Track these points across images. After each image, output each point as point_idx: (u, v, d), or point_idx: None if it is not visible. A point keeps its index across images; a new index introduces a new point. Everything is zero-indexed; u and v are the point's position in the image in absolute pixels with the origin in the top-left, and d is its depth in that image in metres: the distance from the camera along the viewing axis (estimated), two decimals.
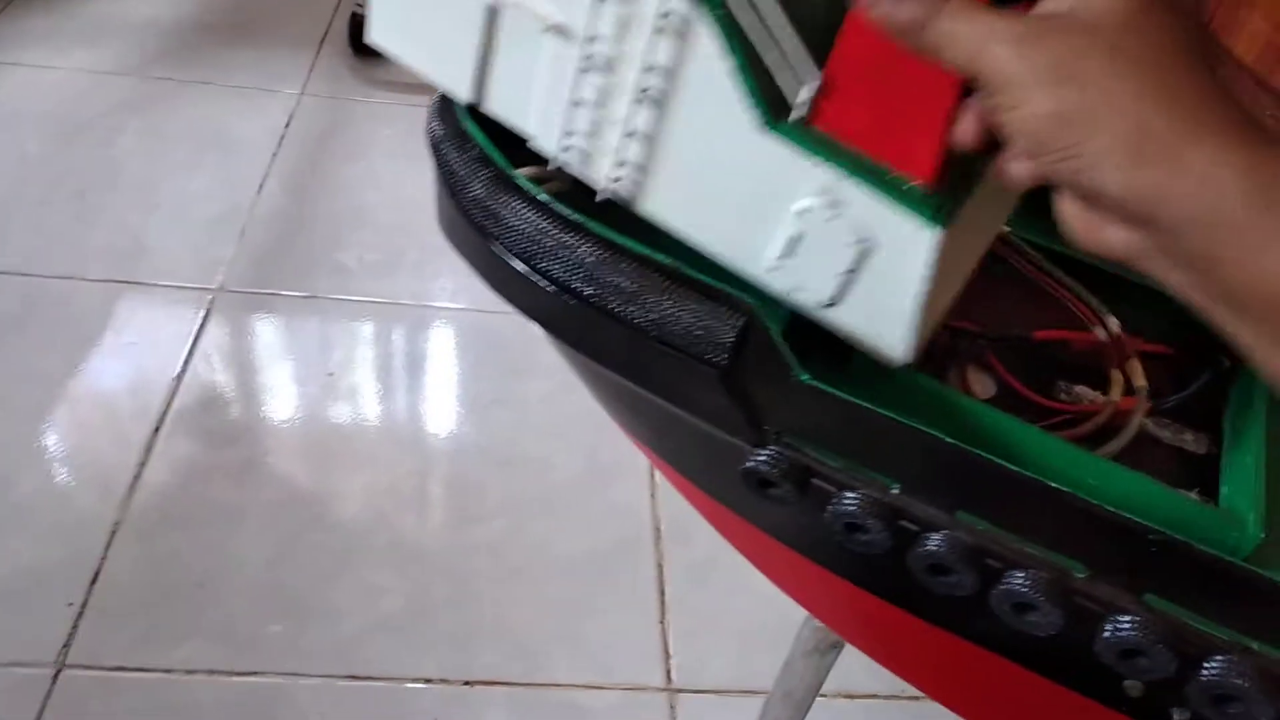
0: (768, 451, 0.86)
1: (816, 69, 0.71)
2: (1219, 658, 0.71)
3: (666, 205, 0.82)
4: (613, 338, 0.86)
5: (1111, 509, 0.75)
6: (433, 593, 1.55)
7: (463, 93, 0.88)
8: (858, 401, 0.79)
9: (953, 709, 1.11)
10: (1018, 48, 0.62)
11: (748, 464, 0.83)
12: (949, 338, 0.95)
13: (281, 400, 1.83)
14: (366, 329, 2.01)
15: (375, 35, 0.94)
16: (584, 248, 0.89)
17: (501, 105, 0.88)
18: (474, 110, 0.98)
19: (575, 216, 0.87)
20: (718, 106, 0.74)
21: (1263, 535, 0.78)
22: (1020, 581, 0.76)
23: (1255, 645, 0.71)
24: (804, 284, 0.77)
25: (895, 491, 0.80)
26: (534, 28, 0.79)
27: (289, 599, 1.54)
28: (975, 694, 1.02)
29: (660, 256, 0.85)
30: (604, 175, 0.82)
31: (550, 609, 1.56)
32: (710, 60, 0.72)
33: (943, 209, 0.71)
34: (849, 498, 0.81)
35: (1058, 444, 0.86)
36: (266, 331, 1.98)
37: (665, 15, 0.71)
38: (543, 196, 0.89)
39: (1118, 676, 0.78)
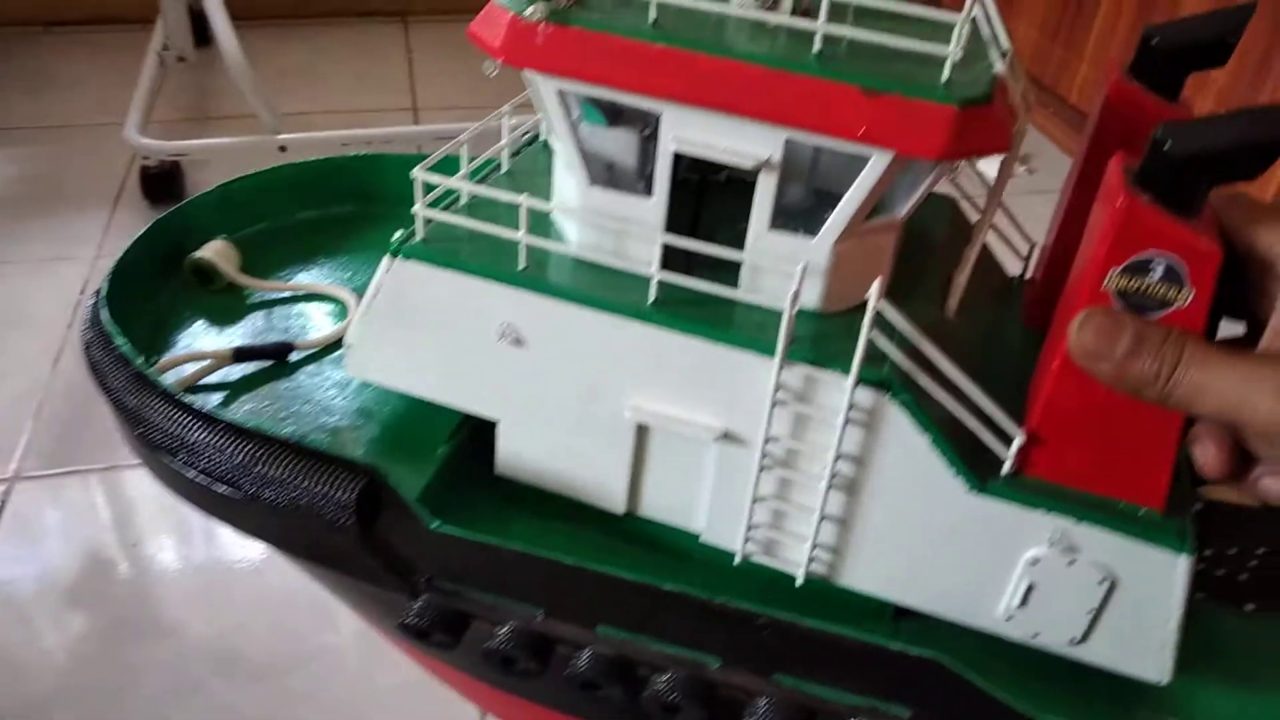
0: (419, 602, 0.85)
1: (1016, 423, 0.76)
2: None
3: (874, 577, 0.85)
4: (257, 515, 0.86)
5: (721, 601, 0.77)
6: None
7: (618, 506, 0.91)
8: (489, 540, 0.80)
9: None
10: None
11: (403, 618, 0.83)
12: None
13: (85, 580, 1.74)
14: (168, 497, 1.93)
15: (502, 469, 0.93)
16: (204, 435, 0.89)
17: (663, 511, 0.90)
18: (112, 305, 0.99)
19: (204, 411, 0.87)
20: (920, 479, 0.79)
21: None
22: (663, 684, 0.76)
23: (879, 705, 0.72)
24: (1047, 627, 0.82)
25: (541, 618, 0.81)
26: (700, 439, 0.83)
27: None
28: None
29: (280, 433, 0.85)
30: (798, 560, 0.85)
31: None
32: (905, 439, 0.77)
33: (1186, 533, 0.76)
34: (501, 633, 0.81)
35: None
36: (68, 508, 1.90)
37: (852, 408, 0.74)
38: (172, 391, 0.89)
39: None
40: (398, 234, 0.86)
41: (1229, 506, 0.90)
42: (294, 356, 1.08)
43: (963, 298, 0.90)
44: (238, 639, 1.61)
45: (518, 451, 0.91)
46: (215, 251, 1.16)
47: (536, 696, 0.98)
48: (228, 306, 1.14)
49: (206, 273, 1.15)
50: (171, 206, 1.19)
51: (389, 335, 0.90)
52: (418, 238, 0.86)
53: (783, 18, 0.76)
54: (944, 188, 0.98)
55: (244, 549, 1.75)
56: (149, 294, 1.11)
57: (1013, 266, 1.05)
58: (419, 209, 0.85)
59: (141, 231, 1.12)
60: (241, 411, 0.99)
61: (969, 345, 0.88)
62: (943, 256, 0.94)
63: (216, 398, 1.01)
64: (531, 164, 0.98)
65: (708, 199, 0.89)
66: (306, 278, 1.19)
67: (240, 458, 0.86)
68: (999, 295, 1.01)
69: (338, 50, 3.41)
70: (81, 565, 1.75)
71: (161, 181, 2.53)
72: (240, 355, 1.06)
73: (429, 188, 0.86)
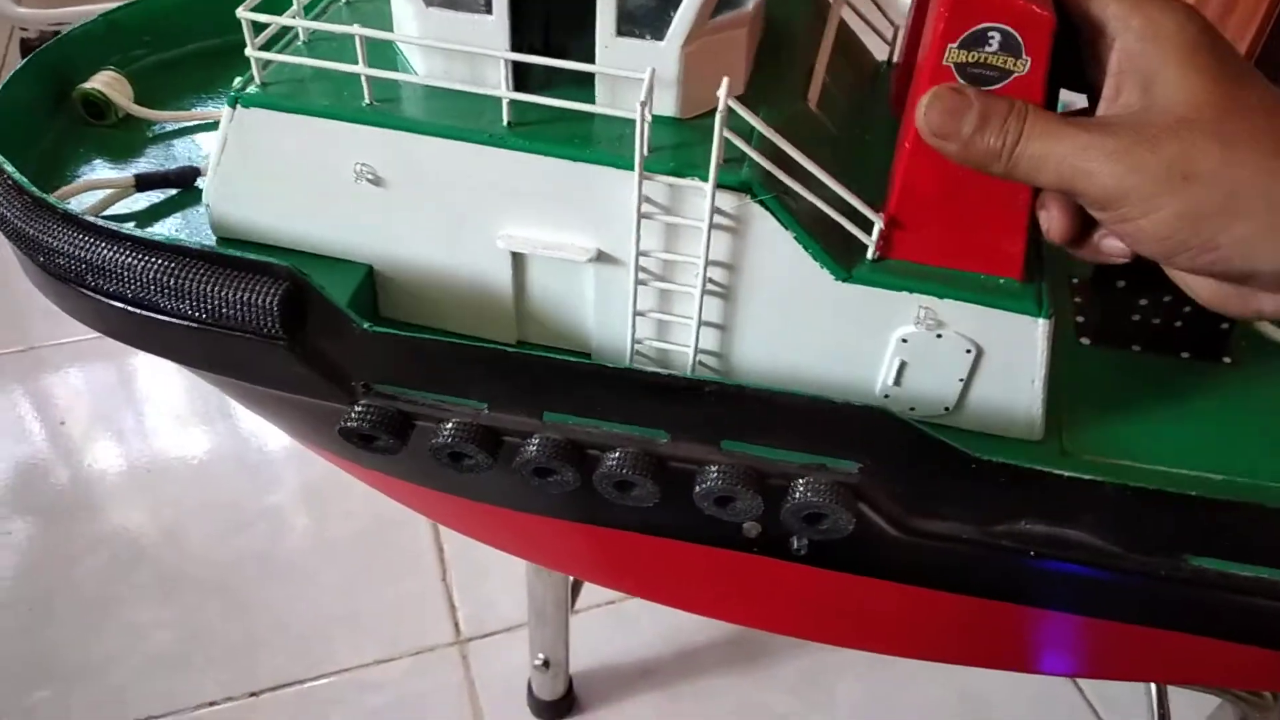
0: (359, 406, 0.86)
1: (875, 210, 0.77)
2: (799, 483, 0.74)
3: (759, 375, 0.87)
4: (180, 336, 0.85)
5: (668, 374, 0.79)
6: (203, 615, 1.52)
7: (509, 336, 0.91)
8: (425, 336, 0.80)
9: (638, 595, 1.15)
10: (1122, 161, 0.59)
11: (342, 424, 0.83)
12: None
13: (11, 461, 1.74)
14: (90, 370, 1.92)
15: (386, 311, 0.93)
16: (111, 254, 0.87)
17: (552, 337, 0.91)
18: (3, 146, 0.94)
19: (108, 225, 0.84)
20: (790, 275, 0.81)
21: None
22: (613, 462, 0.78)
23: (827, 462, 0.75)
24: (921, 400, 0.85)
25: (486, 411, 0.82)
26: (576, 260, 0.83)
27: (50, 662, 1.48)
28: (646, 577, 1.07)
29: (193, 243, 0.83)
30: (686, 366, 0.87)
31: (328, 598, 1.55)
32: (771, 238, 0.78)
33: (1043, 297, 0.79)
34: (446, 429, 0.82)
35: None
36: None
37: (716, 214, 0.76)
38: (73, 212, 0.86)
39: (735, 523, 0.82)
40: (236, 80, 0.83)
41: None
42: (201, 182, 1.03)
43: (827, 87, 0.90)
44: (181, 513, 1.64)
45: (399, 292, 0.91)
46: (104, 83, 1.10)
47: (488, 495, 1.00)
48: (124, 140, 1.09)
49: (98, 105, 1.10)
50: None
51: (244, 188, 0.88)
52: (255, 83, 0.83)
53: None
54: None
55: (174, 422, 1.76)
56: (37, 131, 1.06)
57: (880, 51, 1.04)
58: (250, 51, 0.82)
59: (20, 65, 1.05)
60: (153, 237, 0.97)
61: (832, 136, 0.88)
62: (804, 46, 0.93)
63: (125, 227, 0.98)
64: None
65: (558, 7, 0.86)
66: (205, 107, 1.14)
67: (153, 273, 0.84)
68: (865, 81, 1.00)
69: None
70: (15, 470, 1.76)
71: None
72: (143, 183, 1.01)
73: (260, 27, 0.82)
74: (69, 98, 1.09)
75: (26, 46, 2.43)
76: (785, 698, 1.46)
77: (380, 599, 1.55)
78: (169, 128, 1.11)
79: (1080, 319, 0.98)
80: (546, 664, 1.34)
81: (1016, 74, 0.70)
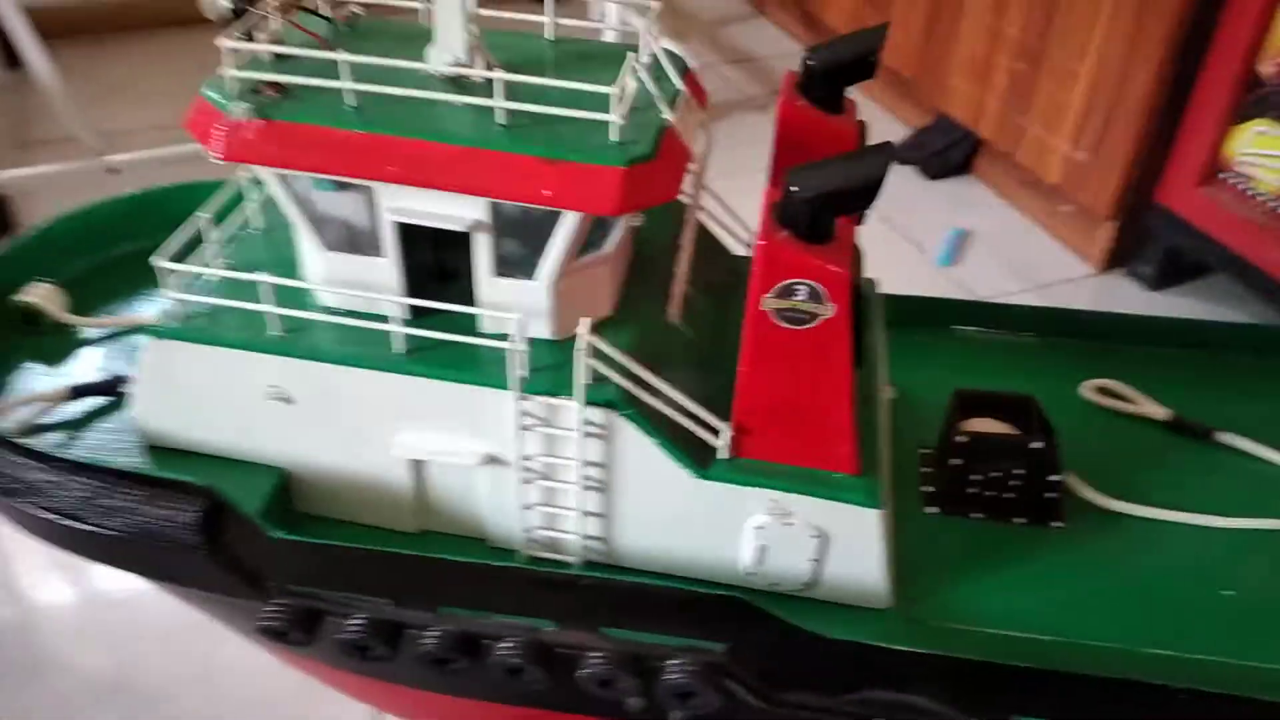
0: (272, 605, 0.95)
1: (723, 420, 0.90)
2: (671, 664, 0.84)
3: (639, 557, 0.98)
4: (109, 546, 0.93)
5: (546, 570, 0.89)
6: None
7: (409, 527, 1.01)
8: (327, 542, 0.89)
9: None
10: None
11: (259, 621, 0.91)
12: None
13: None
14: None
15: (302, 506, 1.02)
16: (44, 476, 0.96)
17: (451, 526, 1.01)
18: None
19: (41, 451, 0.93)
20: (656, 474, 0.93)
21: None
22: (503, 650, 0.87)
23: (697, 644, 0.84)
24: (781, 578, 0.96)
25: (388, 606, 0.91)
26: (467, 464, 0.94)
27: None
28: None
29: (117, 465, 0.92)
30: (574, 551, 0.98)
31: None
32: (636, 444, 0.91)
33: (875, 489, 0.91)
34: (351, 625, 0.90)
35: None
36: None
37: (588, 424, 0.89)
38: (8, 436, 0.95)
39: (619, 700, 0.91)
40: (153, 314, 0.94)
41: (987, 437, 1.05)
42: (128, 389, 1.10)
43: (688, 296, 1.02)
44: (125, 668, 1.68)
45: (312, 490, 1.00)
46: (38, 294, 1.18)
47: (395, 678, 1.08)
48: (58, 346, 1.17)
49: (33, 315, 1.18)
50: (4, 239, 1.19)
51: (168, 408, 0.98)
52: (172, 317, 0.94)
53: (467, 97, 0.85)
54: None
55: (121, 578, 1.81)
56: None
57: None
58: (165, 292, 0.93)
59: None
60: (85, 446, 1.04)
61: (692, 342, 1.01)
62: (669, 258, 1.05)
63: (57, 437, 1.06)
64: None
65: (446, 246, 0.98)
66: (132, 311, 1.23)
67: (83, 492, 0.93)
68: (728, 283, 1.12)
69: (160, 62, 3.33)
70: None
71: None
72: (76, 393, 1.09)
73: (181, 258, 0.93)
74: (4, 309, 1.18)
75: None
76: None
77: None
78: (101, 333, 1.20)
79: (928, 489, 1.09)
80: None
81: (823, 317, 0.83)
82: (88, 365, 1.16)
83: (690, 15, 3.58)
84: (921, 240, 2.64)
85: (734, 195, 1.14)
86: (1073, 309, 1.30)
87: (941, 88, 2.88)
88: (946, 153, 2.90)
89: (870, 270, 1.26)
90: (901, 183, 2.87)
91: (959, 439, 1.03)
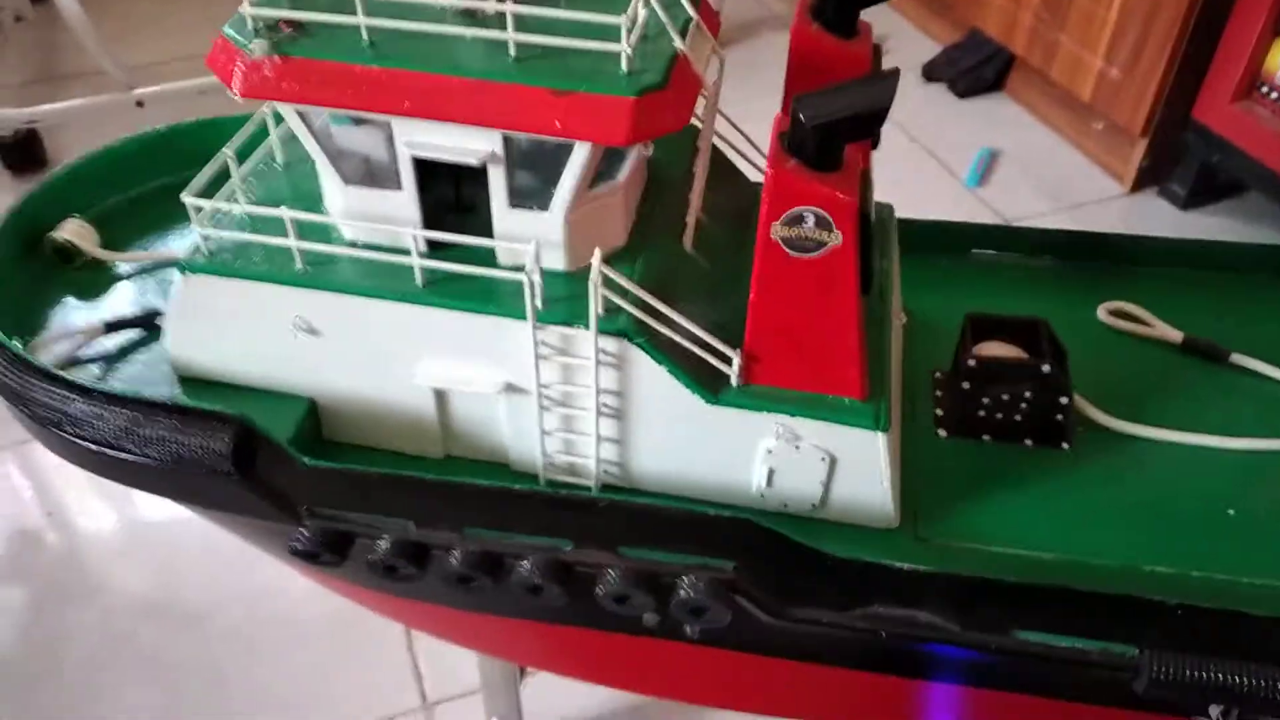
0: (303, 528, 0.99)
1: (734, 347, 0.92)
2: (683, 581, 0.88)
3: (655, 481, 1.01)
4: (147, 473, 0.98)
5: (566, 493, 0.92)
6: (184, 693, 1.64)
7: (437, 453, 1.05)
8: (356, 467, 0.93)
9: (563, 674, 1.29)
10: None
11: (291, 544, 0.96)
12: None
13: (11, 554, 1.86)
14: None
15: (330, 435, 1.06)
16: (84, 407, 1.00)
17: (474, 452, 1.04)
18: None
19: (79, 382, 0.97)
20: (668, 401, 0.95)
21: None
22: (525, 569, 0.91)
23: (708, 562, 0.88)
24: (791, 499, 0.99)
25: (414, 528, 0.95)
26: (487, 394, 0.97)
27: None
28: (566, 660, 1.20)
29: (155, 397, 0.96)
30: (592, 476, 1.01)
31: (304, 673, 1.67)
32: (649, 372, 0.93)
33: (880, 413, 0.93)
34: (380, 546, 0.95)
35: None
36: None
37: (602, 353, 0.91)
38: (48, 369, 0.99)
39: (636, 615, 0.96)
40: (184, 250, 0.97)
41: (996, 361, 1.07)
42: (161, 321, 1.12)
43: (702, 224, 1.03)
44: (166, 589, 1.77)
45: (340, 419, 1.04)
46: (71, 230, 1.22)
47: (422, 596, 1.13)
48: (93, 282, 1.21)
49: (67, 252, 1.22)
50: (36, 174, 1.22)
51: (200, 340, 1.02)
52: (202, 252, 0.97)
53: (480, 30, 0.86)
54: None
55: (162, 504, 1.89)
56: (13, 280, 1.18)
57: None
58: (195, 228, 0.96)
59: None
60: (121, 378, 1.08)
61: (707, 271, 1.02)
62: (685, 187, 1.06)
63: (95, 370, 1.10)
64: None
65: (463, 179, 1.00)
66: (163, 245, 1.26)
67: (120, 422, 0.97)
68: (745, 211, 1.12)
69: None
70: (7, 540, 1.88)
71: (19, 150, 2.53)
72: (110, 327, 1.13)
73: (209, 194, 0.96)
74: (40, 246, 1.22)
75: (2, 145, 2.54)
76: None
77: (351, 670, 1.67)
78: (133, 267, 1.24)
79: (939, 412, 1.12)
80: None
81: (831, 244, 0.84)
82: (121, 300, 1.19)
83: None
84: (950, 160, 2.61)
85: (756, 119, 1.14)
86: (1092, 231, 1.29)
87: (975, 2, 2.81)
88: (978, 70, 2.84)
89: (897, 191, 1.26)
90: (930, 101, 2.83)
91: (969, 363, 1.04)
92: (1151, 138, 2.35)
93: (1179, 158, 2.35)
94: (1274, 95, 2.11)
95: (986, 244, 1.31)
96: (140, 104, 2.57)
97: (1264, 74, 2.11)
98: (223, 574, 1.78)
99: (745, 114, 1.13)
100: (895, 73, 0.81)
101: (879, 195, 1.20)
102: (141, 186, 1.31)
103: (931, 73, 2.89)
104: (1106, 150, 2.52)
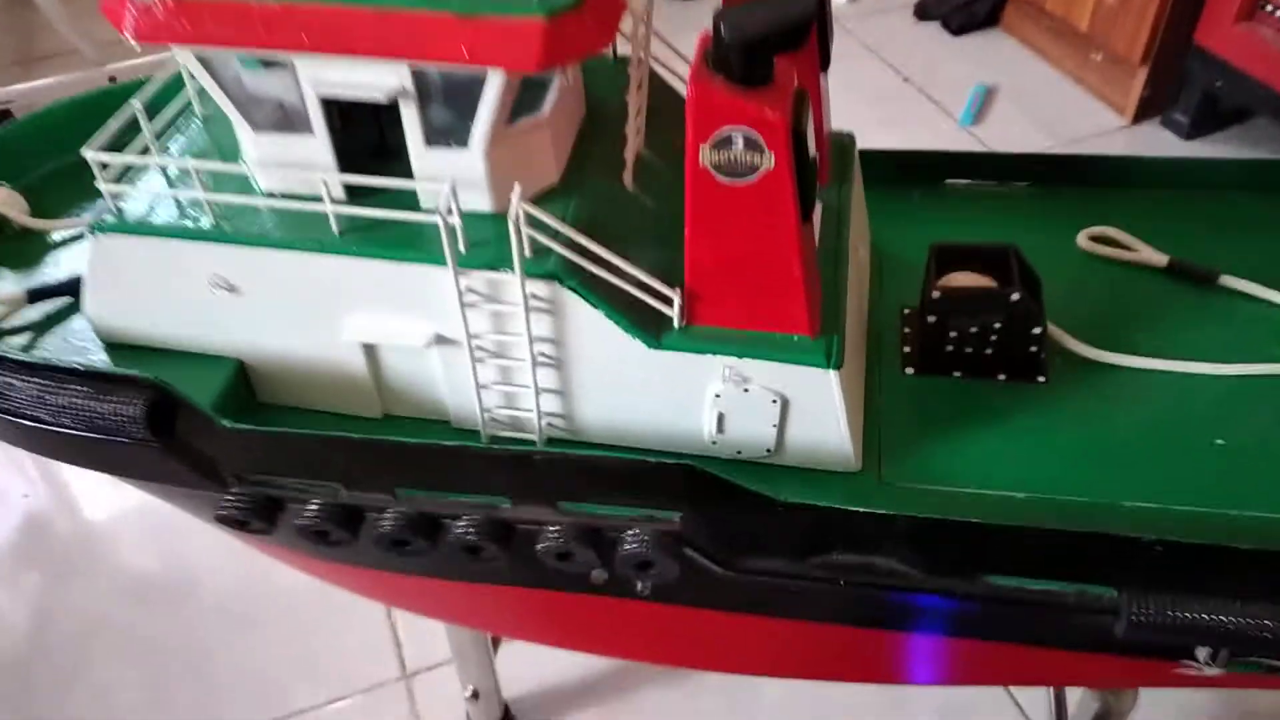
0: (230, 495, 0.95)
1: (673, 286, 0.86)
2: (626, 534, 0.83)
3: (601, 432, 0.96)
4: (67, 444, 0.94)
5: (500, 448, 0.87)
6: (169, 669, 1.62)
7: (375, 412, 1.00)
8: (279, 429, 0.89)
9: (514, 637, 1.24)
10: None
11: (218, 511, 0.92)
12: None
13: None
14: None
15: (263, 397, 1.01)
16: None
17: (413, 409, 0.99)
18: None
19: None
20: (607, 346, 0.89)
21: None
22: (460, 527, 0.87)
23: (654, 514, 0.83)
24: (744, 445, 0.93)
25: (344, 491, 0.90)
26: (417, 346, 0.91)
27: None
28: (512, 623, 1.15)
29: (66, 362, 0.92)
30: (534, 429, 0.95)
31: (284, 645, 1.64)
32: (584, 316, 0.87)
33: (832, 350, 0.87)
34: (309, 510, 0.90)
35: None
36: None
37: (532, 298, 0.85)
38: None
39: (584, 573, 0.91)
40: (96, 210, 0.92)
41: (962, 291, 1.01)
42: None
43: (644, 159, 0.97)
44: (145, 568, 1.75)
45: (271, 380, 0.99)
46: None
47: (358, 561, 1.09)
48: (22, 252, 1.17)
49: None
50: None
51: (118, 304, 0.97)
52: (112, 212, 0.92)
53: None
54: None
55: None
56: None
57: None
58: (100, 185, 0.91)
59: None
60: (48, 349, 1.04)
61: (649, 212, 0.96)
62: (624, 120, 1.00)
63: (20, 340, 1.06)
64: None
65: (389, 120, 0.95)
66: (94, 213, 1.21)
67: (32, 391, 0.93)
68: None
69: None
70: None
71: None
72: (35, 296, 1.09)
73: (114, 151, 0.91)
74: None
75: None
76: (715, 699, 1.54)
77: (331, 641, 1.65)
78: (64, 235, 1.19)
79: (907, 349, 1.05)
80: (476, 695, 1.43)
81: (765, 168, 0.78)
82: (51, 269, 1.15)
83: None
84: (944, 100, 2.52)
85: None
86: (1069, 155, 1.22)
87: None
88: (971, 5, 2.74)
89: (889, 132, 1.19)
90: (923, 40, 2.73)
91: (933, 295, 0.98)
92: (1152, 66, 2.25)
93: (1181, 86, 2.26)
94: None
95: (958, 172, 1.24)
96: (113, 79, 2.52)
97: None
98: (214, 547, 1.76)
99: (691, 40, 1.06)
100: None
101: (870, 136, 1.13)
102: (70, 155, 1.26)
103: (924, 10, 2.79)
104: (1106, 82, 2.42)
